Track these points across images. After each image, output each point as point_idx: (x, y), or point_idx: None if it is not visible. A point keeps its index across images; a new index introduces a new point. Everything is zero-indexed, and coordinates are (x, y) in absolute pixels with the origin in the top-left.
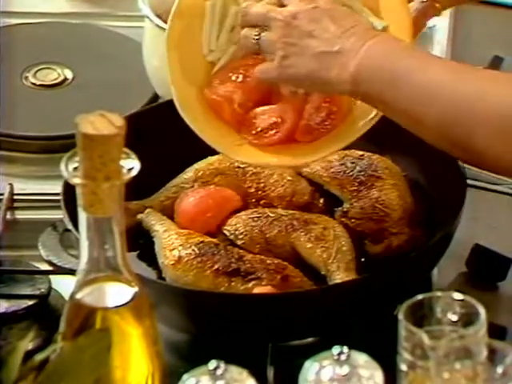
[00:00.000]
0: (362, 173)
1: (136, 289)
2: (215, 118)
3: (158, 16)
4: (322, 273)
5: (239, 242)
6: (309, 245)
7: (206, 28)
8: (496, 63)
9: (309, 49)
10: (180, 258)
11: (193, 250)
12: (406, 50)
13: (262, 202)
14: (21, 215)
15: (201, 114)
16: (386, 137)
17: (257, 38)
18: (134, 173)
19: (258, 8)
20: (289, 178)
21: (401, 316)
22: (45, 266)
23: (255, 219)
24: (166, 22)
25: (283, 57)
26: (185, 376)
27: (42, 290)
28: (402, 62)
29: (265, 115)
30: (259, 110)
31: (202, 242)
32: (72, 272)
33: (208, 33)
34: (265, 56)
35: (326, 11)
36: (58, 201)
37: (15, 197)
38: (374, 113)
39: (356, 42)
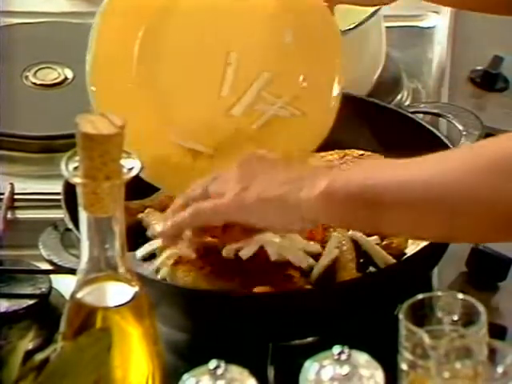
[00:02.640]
0: None
1: (136, 288)
2: None
3: None
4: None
5: None
6: None
7: None
8: (496, 63)
9: (271, 178)
10: (180, 257)
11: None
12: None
13: None
14: (21, 215)
15: None
16: (385, 136)
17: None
18: (135, 172)
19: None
20: None
21: (401, 315)
22: (45, 266)
23: None
24: None
25: (242, 188)
26: (185, 376)
27: (43, 290)
28: (374, 164)
29: None
30: None
31: (202, 241)
32: (72, 271)
33: None
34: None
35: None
36: (58, 200)
37: (16, 196)
38: None
39: (322, 168)
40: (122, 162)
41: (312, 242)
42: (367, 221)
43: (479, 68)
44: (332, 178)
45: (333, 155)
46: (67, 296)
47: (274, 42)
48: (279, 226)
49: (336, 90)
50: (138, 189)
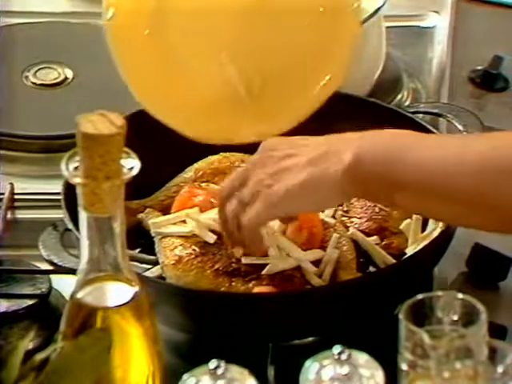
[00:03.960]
0: None
1: (136, 288)
2: None
3: None
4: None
5: None
6: None
7: None
8: (496, 63)
9: (291, 166)
10: (180, 257)
11: (193, 250)
12: (395, 132)
13: None
14: (21, 215)
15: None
16: None
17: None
18: (135, 172)
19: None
20: None
21: (401, 315)
22: (45, 266)
23: None
24: None
25: (267, 186)
26: (185, 376)
27: (43, 290)
28: (400, 139)
29: None
30: None
31: (202, 241)
32: (72, 271)
33: None
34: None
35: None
36: (58, 200)
37: (16, 196)
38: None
39: (343, 140)
40: (122, 161)
41: (309, 251)
42: (387, 197)
43: (479, 68)
44: (356, 153)
45: None
46: (67, 296)
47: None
48: (314, 209)
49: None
50: (138, 189)
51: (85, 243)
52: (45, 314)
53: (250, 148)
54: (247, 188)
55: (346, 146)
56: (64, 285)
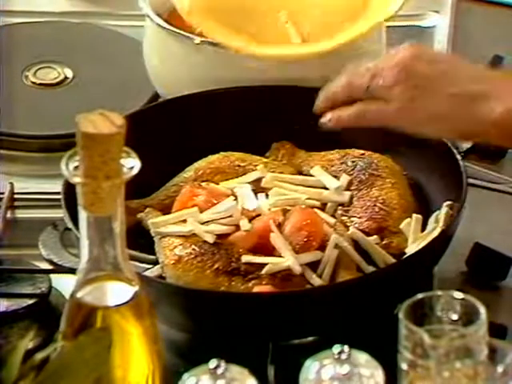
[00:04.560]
0: (363, 172)
1: (136, 288)
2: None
3: (159, 15)
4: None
5: None
6: None
7: None
8: (496, 62)
9: (438, 89)
10: (180, 257)
11: (193, 250)
12: None
13: None
14: (21, 214)
15: None
16: (386, 136)
17: (367, 85)
18: (135, 172)
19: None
20: None
21: (401, 315)
22: (45, 265)
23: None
24: (166, 20)
25: (409, 99)
26: (185, 375)
27: (43, 289)
28: None
29: None
30: None
31: (202, 241)
32: (72, 271)
33: None
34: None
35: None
36: (58, 200)
37: (15, 196)
38: None
39: (498, 84)
40: (122, 161)
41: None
42: None
43: None
44: (507, 105)
45: (333, 154)
46: (67, 296)
47: None
48: (447, 136)
49: None
50: (138, 188)
51: (85, 243)
52: (45, 313)
53: (251, 147)
54: (380, 82)
55: (499, 93)
56: (64, 284)
